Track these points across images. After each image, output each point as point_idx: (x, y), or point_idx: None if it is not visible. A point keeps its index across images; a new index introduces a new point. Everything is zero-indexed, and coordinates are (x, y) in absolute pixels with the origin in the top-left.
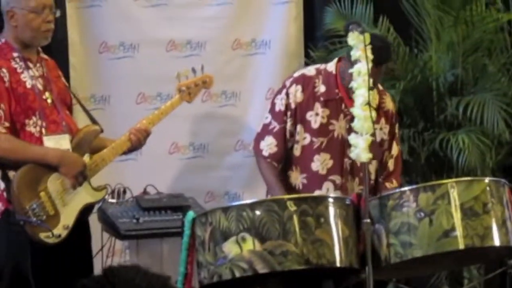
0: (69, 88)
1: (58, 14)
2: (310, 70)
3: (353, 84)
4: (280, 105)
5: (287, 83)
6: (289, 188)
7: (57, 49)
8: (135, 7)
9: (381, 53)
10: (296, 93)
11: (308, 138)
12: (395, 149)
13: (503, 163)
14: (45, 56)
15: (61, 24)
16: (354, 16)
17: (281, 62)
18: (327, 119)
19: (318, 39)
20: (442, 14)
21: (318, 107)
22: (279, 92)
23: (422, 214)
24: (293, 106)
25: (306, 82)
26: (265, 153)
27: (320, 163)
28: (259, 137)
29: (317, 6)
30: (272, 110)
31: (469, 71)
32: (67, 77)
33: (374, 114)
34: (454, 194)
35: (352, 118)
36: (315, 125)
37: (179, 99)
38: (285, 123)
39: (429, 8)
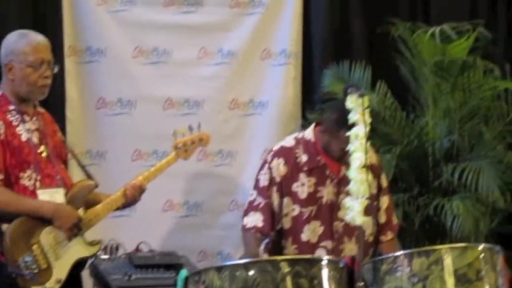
0: (66, 142)
1: (56, 69)
2: (289, 141)
3: (350, 147)
4: (264, 181)
5: (268, 158)
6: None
7: (54, 104)
8: (133, 64)
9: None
10: (279, 166)
11: (297, 209)
12: (384, 201)
13: (497, 231)
14: (42, 110)
15: (59, 78)
16: (352, 79)
17: (278, 123)
18: (314, 187)
19: (315, 101)
20: (440, 80)
21: (303, 177)
22: (262, 167)
23: (416, 279)
24: (277, 180)
25: (287, 154)
26: (250, 225)
27: (310, 232)
28: (244, 214)
29: (315, 69)
30: (256, 187)
31: (465, 138)
32: (63, 131)
33: (370, 177)
34: (448, 260)
35: (339, 181)
36: (302, 195)
37: (175, 157)
38: (270, 198)
39: (427, 74)
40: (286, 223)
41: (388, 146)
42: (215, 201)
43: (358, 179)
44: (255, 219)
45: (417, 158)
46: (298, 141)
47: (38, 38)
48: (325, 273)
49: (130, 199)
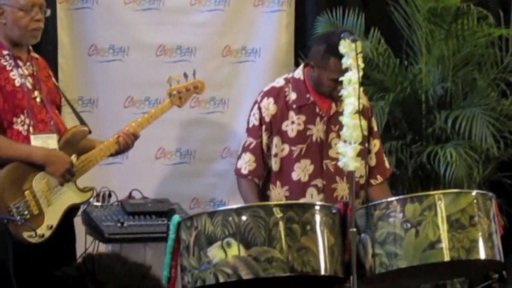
0: (59, 88)
1: (48, 13)
2: (279, 82)
3: (343, 93)
4: (253, 121)
5: (258, 98)
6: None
7: (46, 50)
8: (126, 10)
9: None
10: (269, 106)
11: (287, 149)
12: (374, 144)
13: (490, 178)
14: (36, 55)
15: (51, 25)
16: (346, 26)
17: (271, 70)
18: (303, 125)
19: (308, 48)
20: (434, 27)
21: (292, 115)
22: (252, 108)
23: (409, 225)
24: (267, 119)
25: (276, 93)
26: (244, 171)
27: (301, 170)
28: (238, 158)
29: (308, 15)
30: (247, 128)
31: (459, 85)
32: (56, 78)
33: (364, 123)
34: (441, 205)
35: (329, 119)
36: (292, 133)
37: (169, 103)
38: (261, 137)
39: (420, 20)
40: (275, 165)
41: (381, 93)
42: (208, 149)
43: (351, 125)
44: (247, 161)
45: (410, 105)
46: (287, 80)
47: None
48: (317, 218)
49: (123, 146)
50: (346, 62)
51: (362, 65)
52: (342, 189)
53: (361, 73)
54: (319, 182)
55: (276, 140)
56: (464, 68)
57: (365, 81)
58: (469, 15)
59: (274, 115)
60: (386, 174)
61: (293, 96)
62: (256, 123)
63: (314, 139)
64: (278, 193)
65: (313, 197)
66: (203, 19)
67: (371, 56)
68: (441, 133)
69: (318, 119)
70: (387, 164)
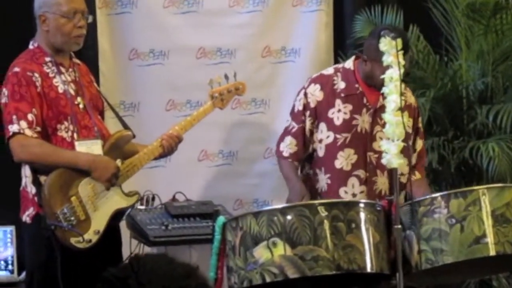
0: (101, 93)
1: (90, 19)
2: (328, 70)
3: (385, 90)
4: (298, 105)
5: (306, 84)
6: (314, 192)
7: (87, 56)
8: (165, 14)
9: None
10: (315, 92)
11: (331, 136)
12: (418, 144)
13: None
14: (78, 61)
15: (91, 30)
16: (385, 24)
17: (311, 70)
18: (350, 114)
19: (348, 47)
20: (472, 22)
21: (339, 103)
22: (298, 93)
23: (454, 221)
24: (312, 105)
25: (324, 81)
26: (286, 153)
27: (344, 159)
28: (280, 140)
29: (347, 14)
30: (291, 112)
31: (499, 80)
32: (97, 83)
33: (406, 120)
34: (485, 200)
35: (375, 111)
36: (337, 121)
37: (211, 105)
38: (304, 122)
39: (459, 16)
40: (320, 151)
41: (422, 90)
42: (250, 150)
43: (394, 122)
44: (288, 143)
45: (451, 101)
46: (337, 69)
47: None
48: (362, 216)
49: (168, 149)
50: (387, 59)
51: (403, 62)
52: (382, 182)
53: (402, 70)
54: (361, 173)
55: (321, 126)
56: (504, 63)
57: (406, 78)
58: (507, 9)
59: (320, 101)
60: (423, 172)
61: (341, 85)
62: (300, 108)
63: (359, 129)
64: (322, 179)
65: (354, 187)
66: (242, 20)
67: (410, 53)
68: (482, 128)
69: (364, 110)
70: (424, 162)
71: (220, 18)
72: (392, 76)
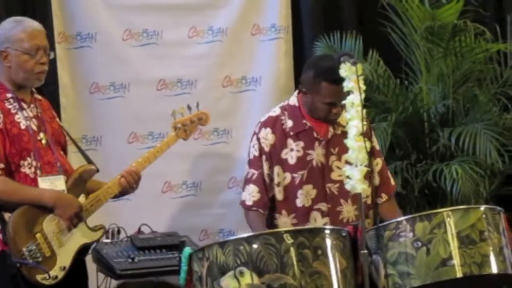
0: (63, 128)
1: (52, 55)
2: (275, 111)
3: (346, 115)
4: (253, 152)
5: (256, 129)
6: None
7: (47, 91)
8: (124, 47)
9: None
10: (267, 136)
11: (288, 177)
12: (377, 163)
13: (497, 193)
14: (39, 97)
15: (51, 65)
16: (344, 50)
17: (272, 98)
18: (303, 151)
19: None
20: (431, 45)
21: (291, 142)
22: (251, 140)
23: (419, 244)
24: (266, 149)
25: (274, 122)
26: (249, 202)
27: (304, 196)
28: (242, 190)
29: (306, 41)
30: (248, 160)
31: (460, 102)
32: (58, 118)
33: (368, 145)
34: (450, 222)
35: (328, 142)
36: (292, 160)
37: (175, 137)
38: (262, 168)
39: (418, 40)
40: (279, 194)
41: (383, 115)
42: (214, 180)
43: (356, 147)
44: (251, 192)
45: (413, 124)
46: (283, 108)
47: (33, 24)
48: (328, 242)
49: (126, 187)
50: (347, 85)
51: (363, 87)
52: (347, 211)
53: (363, 96)
54: (323, 206)
55: (277, 169)
56: (465, 85)
57: (367, 103)
58: (466, 31)
59: (273, 144)
60: (390, 191)
61: (289, 123)
62: (257, 153)
63: (314, 164)
64: (285, 222)
65: (316, 221)
66: (201, 51)
67: (371, 78)
68: (445, 150)
69: (316, 143)
70: (392, 181)
71: (179, 49)
72: (353, 102)
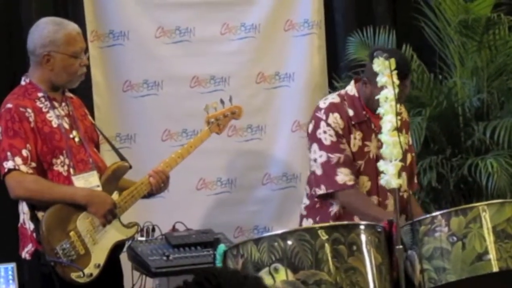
0: (96, 126)
1: (88, 56)
2: (334, 98)
3: (380, 110)
4: (329, 138)
5: (322, 116)
6: (327, 215)
7: (80, 89)
8: (157, 44)
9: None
10: (337, 120)
11: None
12: (408, 158)
13: None
14: (70, 95)
15: None
16: (377, 44)
17: (306, 94)
18: (361, 142)
19: (341, 69)
20: (465, 39)
21: (353, 131)
22: (317, 127)
23: (455, 238)
24: (341, 132)
25: (339, 108)
26: (350, 182)
27: (359, 186)
28: (331, 174)
29: (339, 36)
30: (325, 147)
31: (495, 95)
32: (91, 116)
33: (403, 139)
34: (486, 217)
35: None
36: (354, 148)
37: (208, 131)
38: (345, 150)
39: (452, 34)
40: None
41: (417, 109)
42: (248, 176)
43: (391, 142)
44: (347, 173)
45: (448, 119)
46: (342, 97)
47: (74, 26)
48: (363, 238)
49: (155, 186)
50: (381, 80)
51: (397, 82)
52: (392, 205)
53: (396, 90)
54: (374, 199)
55: None
56: (499, 78)
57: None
58: (500, 24)
59: (343, 128)
60: (414, 188)
61: (350, 112)
62: (334, 138)
63: (371, 155)
64: (336, 202)
65: None
66: (234, 47)
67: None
68: (480, 144)
69: (373, 135)
70: (415, 179)
71: (212, 46)
72: (387, 96)
